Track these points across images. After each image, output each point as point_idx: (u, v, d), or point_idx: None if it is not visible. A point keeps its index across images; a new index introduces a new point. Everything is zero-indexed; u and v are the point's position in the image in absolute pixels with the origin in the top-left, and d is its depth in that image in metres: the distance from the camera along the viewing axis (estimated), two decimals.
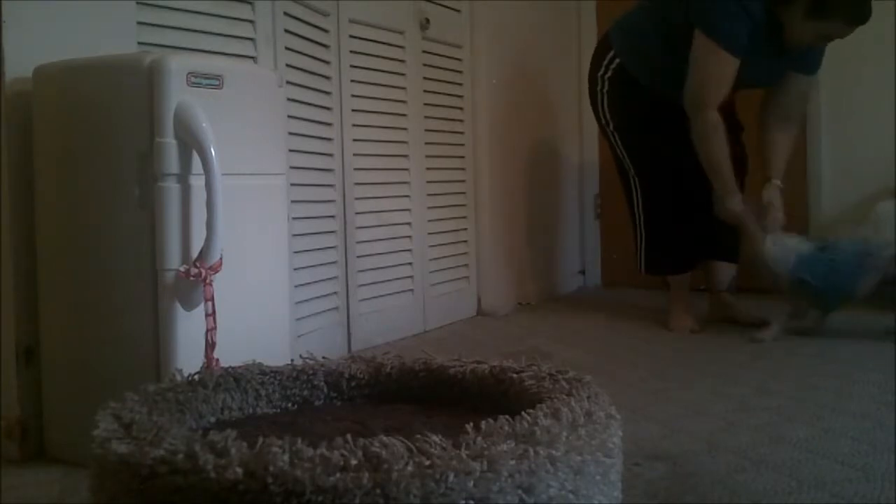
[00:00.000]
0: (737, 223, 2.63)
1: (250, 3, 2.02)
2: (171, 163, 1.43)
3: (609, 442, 0.99)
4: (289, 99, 2.11)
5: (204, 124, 1.43)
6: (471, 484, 0.83)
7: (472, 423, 0.93)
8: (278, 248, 1.70)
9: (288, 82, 2.12)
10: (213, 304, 1.42)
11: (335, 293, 2.41)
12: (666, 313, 2.88)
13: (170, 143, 1.42)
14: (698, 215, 2.77)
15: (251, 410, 1.25)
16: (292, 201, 2.02)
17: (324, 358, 1.37)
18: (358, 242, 2.51)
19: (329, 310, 2.37)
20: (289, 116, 2.09)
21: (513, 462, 0.86)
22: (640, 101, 2.79)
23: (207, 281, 1.42)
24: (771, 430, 1.66)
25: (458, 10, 3.05)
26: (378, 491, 0.81)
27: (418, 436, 0.88)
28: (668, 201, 2.83)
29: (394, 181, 2.70)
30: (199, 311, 1.43)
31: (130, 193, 1.45)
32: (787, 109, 2.75)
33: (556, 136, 3.85)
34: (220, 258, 1.44)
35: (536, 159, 3.61)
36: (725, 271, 2.93)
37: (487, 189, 3.17)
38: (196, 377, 1.22)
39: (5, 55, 1.55)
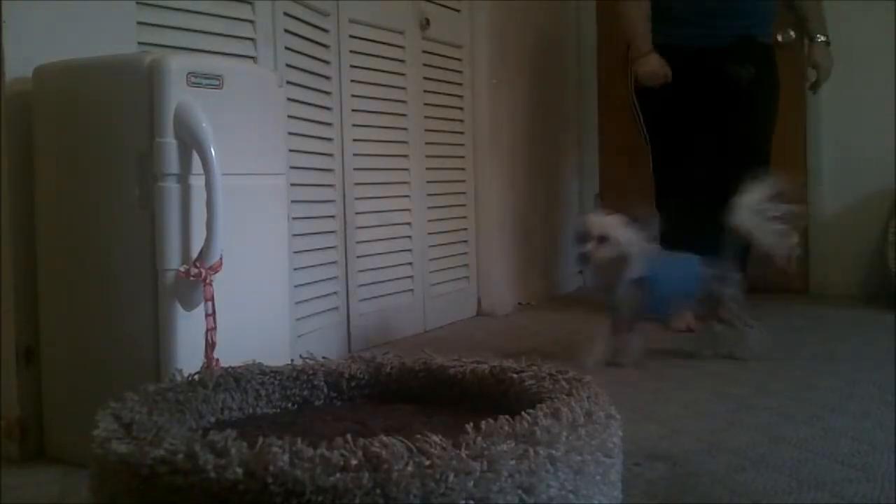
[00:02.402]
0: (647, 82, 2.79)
1: (250, 3, 2.02)
2: (171, 163, 1.42)
3: (609, 442, 0.99)
4: (289, 99, 2.11)
5: (204, 124, 1.43)
6: (471, 484, 0.83)
7: (472, 423, 0.93)
8: (278, 248, 1.70)
9: (288, 82, 2.12)
10: (213, 304, 1.42)
11: (335, 293, 2.41)
12: None
13: (170, 143, 1.42)
14: (708, 224, 2.78)
15: (251, 410, 1.26)
16: (292, 201, 2.02)
17: (324, 358, 1.37)
18: (358, 242, 2.51)
19: (329, 310, 2.37)
20: (289, 116, 2.08)
21: (513, 462, 0.86)
22: (687, 80, 2.78)
23: (207, 281, 1.42)
24: (771, 430, 1.66)
25: (458, 10, 3.05)
26: (378, 491, 0.81)
27: (418, 436, 0.88)
28: (681, 207, 2.84)
29: (394, 181, 2.70)
30: (199, 311, 1.43)
31: (130, 193, 1.45)
32: None
33: (555, 136, 3.85)
34: (220, 258, 1.44)
35: (536, 159, 3.61)
36: None
37: (487, 189, 3.17)
38: (196, 377, 1.23)
39: (5, 55, 1.55)
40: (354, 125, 2.50)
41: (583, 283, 4.04)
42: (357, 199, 2.50)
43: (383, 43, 2.64)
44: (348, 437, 0.88)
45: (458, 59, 3.05)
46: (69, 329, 1.53)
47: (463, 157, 3.09)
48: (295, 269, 2.12)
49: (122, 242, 1.47)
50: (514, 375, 1.23)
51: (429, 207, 2.87)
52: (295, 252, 2.11)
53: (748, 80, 2.76)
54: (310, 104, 2.28)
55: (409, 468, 0.82)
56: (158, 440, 0.91)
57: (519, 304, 3.37)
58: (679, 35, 2.78)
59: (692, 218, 2.83)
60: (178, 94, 1.43)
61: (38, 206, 1.56)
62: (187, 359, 1.39)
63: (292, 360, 1.36)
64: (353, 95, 2.50)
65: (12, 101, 1.56)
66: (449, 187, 3.00)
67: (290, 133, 2.10)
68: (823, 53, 2.86)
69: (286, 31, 2.15)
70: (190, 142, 1.43)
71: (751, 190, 2.23)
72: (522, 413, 0.98)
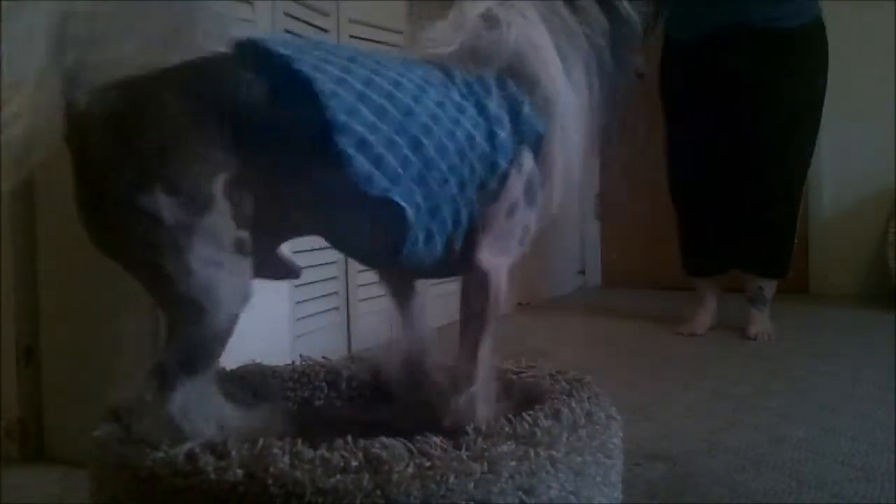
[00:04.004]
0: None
1: (250, 3, 2.01)
2: None
3: (609, 443, 0.99)
4: None
5: None
6: (471, 485, 0.83)
7: (472, 424, 0.93)
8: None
9: None
10: None
11: (335, 293, 2.40)
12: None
13: None
14: (730, 223, 2.73)
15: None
16: None
17: (324, 358, 1.37)
18: None
19: (329, 310, 2.37)
20: None
21: (513, 463, 0.86)
22: (683, 74, 2.73)
23: None
24: (771, 430, 1.66)
25: None
26: (378, 492, 0.81)
27: (419, 437, 0.88)
28: (699, 204, 2.80)
29: None
30: None
31: None
32: None
33: None
34: None
35: None
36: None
37: None
38: None
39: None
40: None
41: (582, 283, 4.04)
42: None
43: (383, 43, 2.63)
44: (349, 438, 0.88)
45: None
46: (69, 329, 1.53)
47: None
48: None
49: None
50: (514, 376, 1.23)
51: None
52: (295, 252, 2.10)
53: (729, 72, 2.60)
54: None
55: (410, 469, 0.82)
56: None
57: (519, 304, 3.37)
58: (676, 27, 2.67)
59: (702, 219, 2.79)
60: None
61: (38, 205, 1.56)
62: None
63: (292, 360, 1.36)
64: None
65: None
66: None
67: None
68: None
69: (286, 31, 2.15)
70: None
71: None
72: (523, 414, 0.98)
